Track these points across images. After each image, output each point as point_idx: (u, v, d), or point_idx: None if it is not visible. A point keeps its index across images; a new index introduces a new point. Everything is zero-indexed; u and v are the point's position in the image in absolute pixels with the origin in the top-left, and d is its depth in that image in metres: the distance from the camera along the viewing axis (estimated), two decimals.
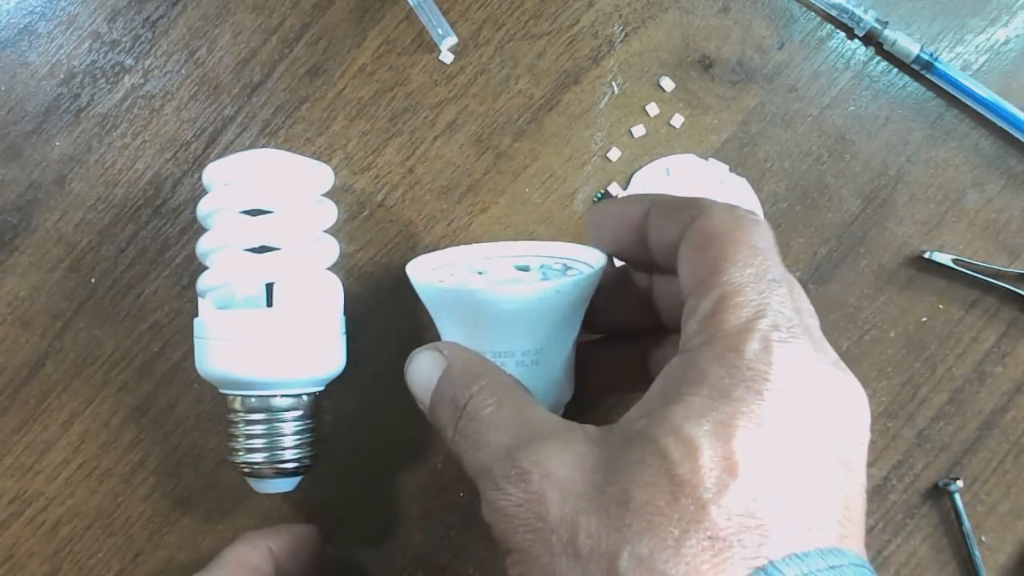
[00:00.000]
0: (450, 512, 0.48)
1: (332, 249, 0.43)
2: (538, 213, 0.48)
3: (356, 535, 0.47)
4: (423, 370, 0.35)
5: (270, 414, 0.40)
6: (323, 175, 0.42)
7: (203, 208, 0.41)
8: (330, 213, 0.43)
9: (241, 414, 0.40)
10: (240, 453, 0.41)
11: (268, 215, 0.40)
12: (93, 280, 0.47)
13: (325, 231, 0.43)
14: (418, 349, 0.36)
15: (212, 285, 0.40)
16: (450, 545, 0.48)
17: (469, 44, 0.48)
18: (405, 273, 0.41)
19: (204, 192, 0.41)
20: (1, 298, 0.46)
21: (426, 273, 0.44)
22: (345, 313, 0.43)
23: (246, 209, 0.40)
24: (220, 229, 0.40)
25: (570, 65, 0.48)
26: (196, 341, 0.41)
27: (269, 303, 0.41)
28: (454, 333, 0.42)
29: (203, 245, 0.41)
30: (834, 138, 0.49)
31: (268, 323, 0.39)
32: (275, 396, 0.40)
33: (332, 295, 0.43)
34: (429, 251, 0.47)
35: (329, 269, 0.43)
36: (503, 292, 0.39)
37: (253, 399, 0.40)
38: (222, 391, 0.41)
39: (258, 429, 0.40)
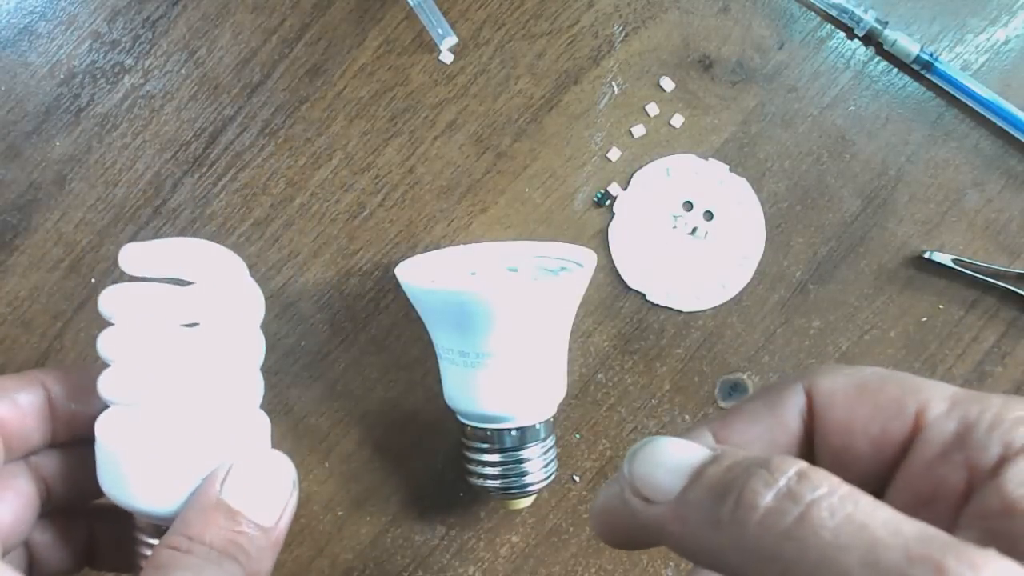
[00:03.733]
0: (450, 512, 0.48)
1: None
2: (538, 213, 0.48)
3: (356, 535, 0.47)
4: None
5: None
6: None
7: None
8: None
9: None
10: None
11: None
12: (93, 280, 0.47)
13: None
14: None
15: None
16: (450, 545, 0.48)
17: (469, 44, 0.48)
18: None
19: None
20: (1, 298, 0.46)
21: (416, 275, 0.44)
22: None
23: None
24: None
25: (570, 65, 0.48)
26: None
27: None
28: (445, 334, 0.42)
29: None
30: (834, 138, 0.49)
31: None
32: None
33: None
34: (429, 251, 0.47)
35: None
36: (493, 292, 0.39)
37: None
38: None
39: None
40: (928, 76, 0.48)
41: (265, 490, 0.31)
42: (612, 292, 0.48)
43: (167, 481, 0.31)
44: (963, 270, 0.48)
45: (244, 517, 0.30)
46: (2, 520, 0.32)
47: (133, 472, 0.31)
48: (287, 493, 0.31)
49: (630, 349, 0.48)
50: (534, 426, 0.43)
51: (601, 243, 0.48)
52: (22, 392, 0.33)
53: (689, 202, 0.48)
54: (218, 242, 0.47)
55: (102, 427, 0.32)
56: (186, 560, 0.28)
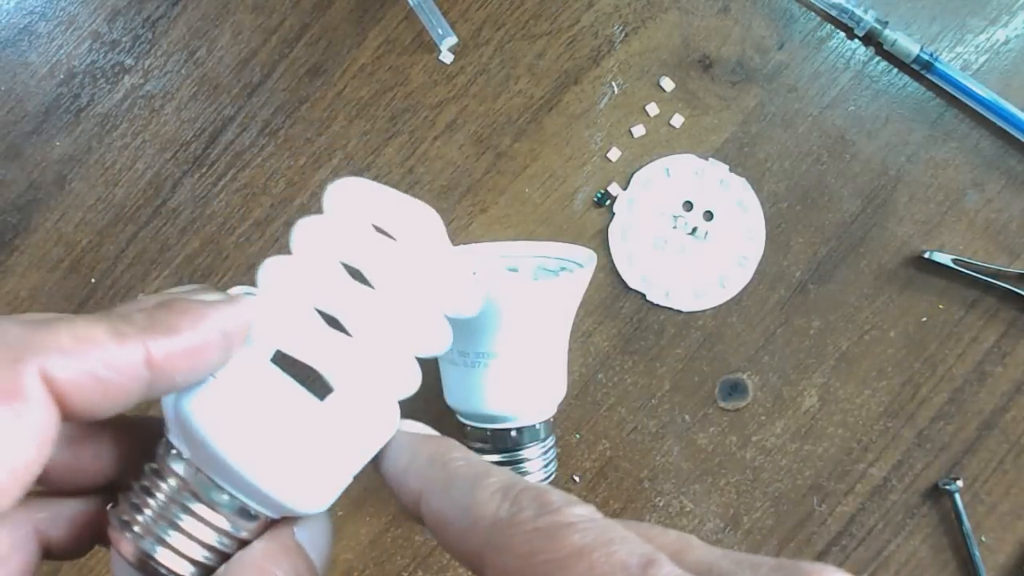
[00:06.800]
0: None
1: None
2: (538, 213, 0.48)
3: (356, 535, 0.47)
4: None
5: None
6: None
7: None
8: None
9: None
10: None
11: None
12: (93, 280, 0.47)
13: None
14: None
15: None
16: None
17: (469, 44, 0.48)
18: None
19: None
20: (1, 298, 0.46)
21: None
22: None
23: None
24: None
25: (570, 65, 0.48)
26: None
27: None
28: None
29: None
30: (834, 138, 0.49)
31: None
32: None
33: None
34: None
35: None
36: (493, 293, 0.39)
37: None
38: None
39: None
40: (928, 76, 0.48)
41: (322, 541, 0.27)
42: (612, 292, 0.48)
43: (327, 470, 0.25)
44: (963, 270, 0.48)
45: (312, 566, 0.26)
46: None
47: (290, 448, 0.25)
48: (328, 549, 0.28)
49: (630, 349, 0.48)
50: (534, 426, 0.43)
51: (601, 243, 0.48)
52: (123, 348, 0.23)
53: (689, 202, 0.48)
54: (218, 242, 0.47)
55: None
56: None
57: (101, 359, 0.22)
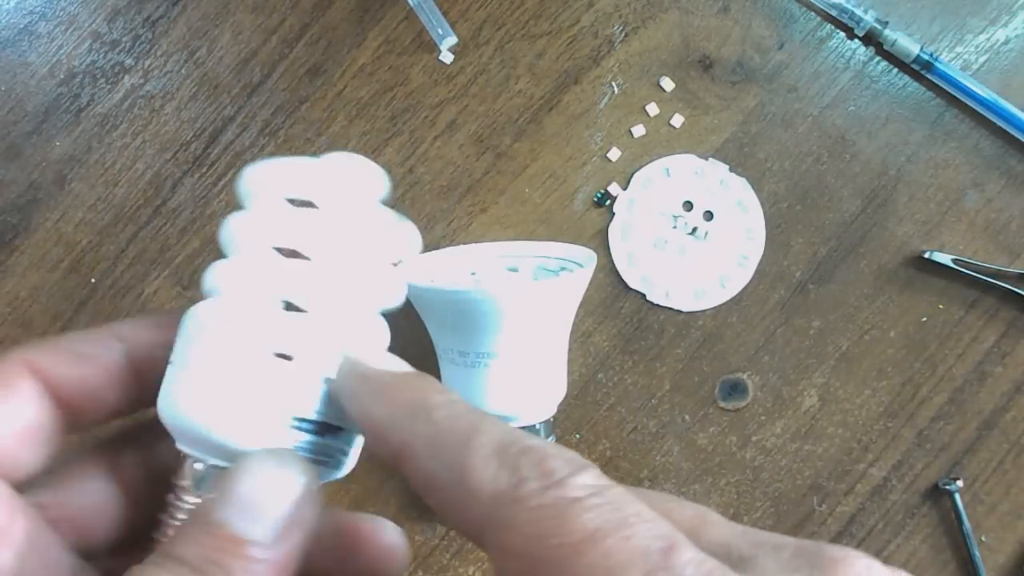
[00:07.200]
0: None
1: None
2: (538, 213, 0.48)
3: None
4: None
5: None
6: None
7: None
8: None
9: None
10: None
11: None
12: (93, 280, 0.47)
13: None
14: None
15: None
16: (450, 545, 0.48)
17: (469, 44, 0.48)
18: None
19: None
20: (1, 298, 0.46)
21: (416, 274, 0.44)
22: None
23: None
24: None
25: (570, 65, 0.48)
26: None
27: None
28: (445, 334, 0.42)
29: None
30: (834, 138, 0.49)
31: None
32: None
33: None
34: (429, 251, 0.47)
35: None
36: (493, 292, 0.39)
37: None
38: None
39: None
40: (928, 76, 0.48)
41: (261, 493, 0.22)
42: (612, 292, 0.48)
43: (267, 402, 0.24)
44: (963, 270, 0.48)
45: (227, 529, 0.22)
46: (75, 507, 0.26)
47: (231, 381, 0.24)
48: (292, 496, 0.23)
49: (630, 349, 0.48)
50: (534, 426, 0.43)
51: (601, 243, 0.48)
52: (99, 348, 0.26)
53: (689, 202, 0.48)
54: (218, 242, 0.47)
55: (199, 317, 0.25)
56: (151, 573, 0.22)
57: (78, 347, 0.25)
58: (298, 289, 0.26)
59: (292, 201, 0.27)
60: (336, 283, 0.26)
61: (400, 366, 0.24)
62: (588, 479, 0.19)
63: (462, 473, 0.20)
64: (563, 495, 0.19)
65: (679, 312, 0.48)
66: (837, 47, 0.49)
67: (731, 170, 0.48)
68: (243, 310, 0.25)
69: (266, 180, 0.27)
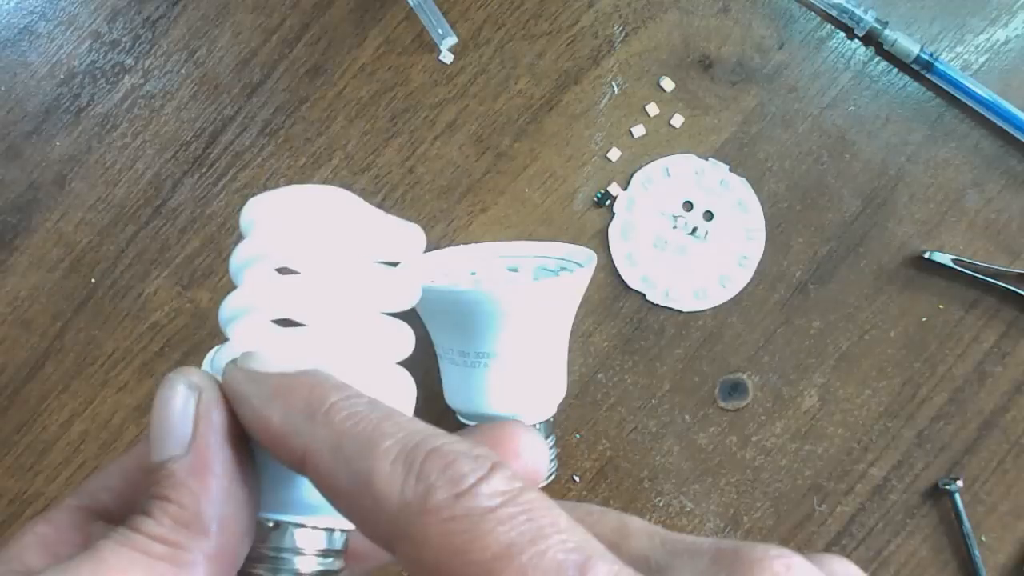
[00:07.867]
0: None
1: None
2: (538, 213, 0.48)
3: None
4: None
5: None
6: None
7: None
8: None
9: None
10: None
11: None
12: (93, 280, 0.47)
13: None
14: None
15: None
16: None
17: (469, 44, 0.48)
18: None
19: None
20: (1, 298, 0.46)
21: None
22: None
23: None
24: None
25: (570, 65, 0.48)
26: None
27: None
28: (445, 334, 0.42)
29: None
30: (834, 138, 0.49)
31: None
32: None
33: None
34: (429, 251, 0.47)
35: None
36: (493, 292, 0.39)
37: None
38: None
39: None
40: (928, 76, 0.48)
41: (154, 418, 0.22)
42: (612, 292, 0.48)
43: None
44: (963, 270, 0.48)
45: (147, 462, 0.22)
46: None
47: None
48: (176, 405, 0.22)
49: (630, 349, 0.48)
50: (534, 426, 0.43)
51: (601, 243, 0.48)
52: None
53: (689, 202, 0.48)
54: (218, 242, 0.47)
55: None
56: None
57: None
58: (293, 305, 0.25)
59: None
60: (330, 292, 0.25)
61: (296, 364, 0.22)
62: (500, 484, 0.18)
63: (367, 482, 0.19)
64: (474, 506, 0.18)
65: (679, 312, 0.48)
66: (837, 47, 0.49)
67: (731, 170, 0.48)
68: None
69: (267, 211, 0.27)
